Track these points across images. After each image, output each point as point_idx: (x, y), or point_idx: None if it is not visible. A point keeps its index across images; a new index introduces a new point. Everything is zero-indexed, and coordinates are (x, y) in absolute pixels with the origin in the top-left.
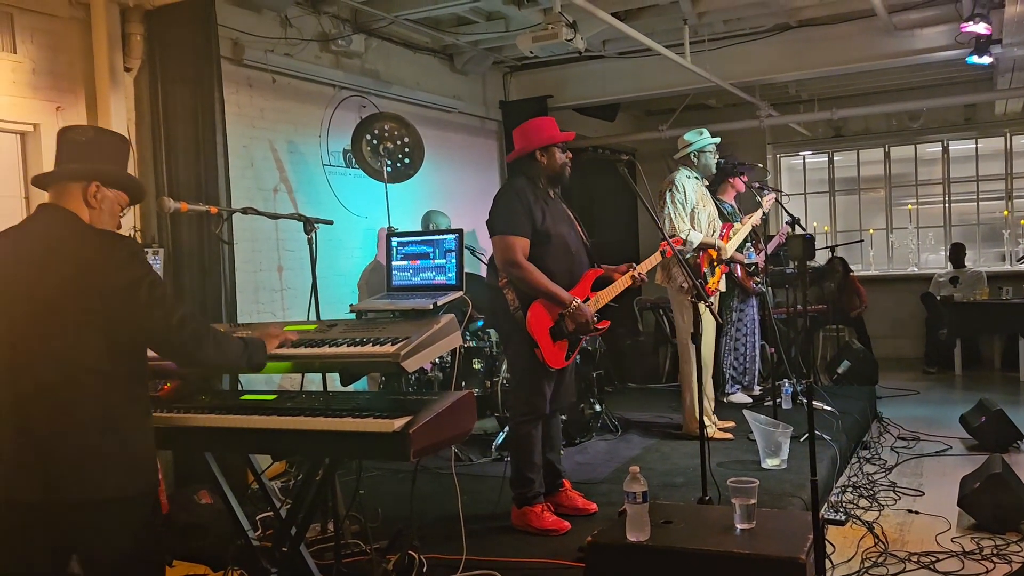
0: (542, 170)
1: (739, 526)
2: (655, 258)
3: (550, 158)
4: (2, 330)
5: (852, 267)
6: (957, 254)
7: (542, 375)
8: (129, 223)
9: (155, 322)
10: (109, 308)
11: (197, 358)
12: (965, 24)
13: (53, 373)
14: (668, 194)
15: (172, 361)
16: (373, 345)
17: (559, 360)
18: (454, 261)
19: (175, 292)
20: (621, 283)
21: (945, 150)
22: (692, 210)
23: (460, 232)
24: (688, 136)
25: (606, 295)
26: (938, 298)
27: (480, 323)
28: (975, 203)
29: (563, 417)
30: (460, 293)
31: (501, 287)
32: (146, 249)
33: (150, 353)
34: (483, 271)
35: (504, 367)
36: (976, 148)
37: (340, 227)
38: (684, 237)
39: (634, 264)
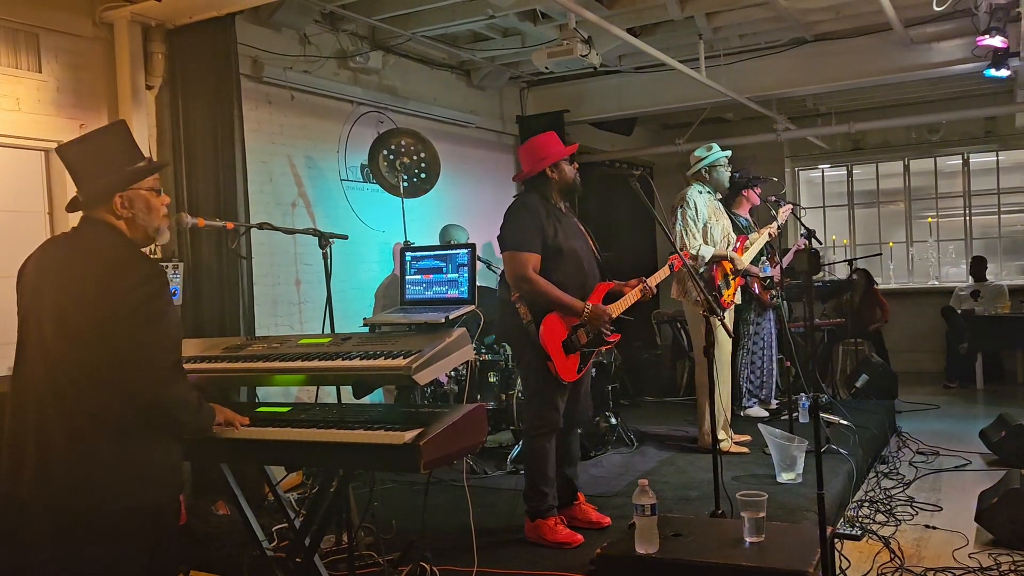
0: (554, 184)
1: (748, 539)
2: (664, 272)
3: (560, 173)
4: (34, 336)
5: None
6: (978, 267)
7: (555, 388)
8: None
9: (141, 348)
10: (115, 325)
11: (158, 398)
12: (981, 37)
13: (70, 383)
14: (679, 211)
15: (132, 391)
16: (385, 358)
17: (571, 373)
18: (467, 275)
19: (176, 330)
20: (631, 296)
21: (966, 163)
22: (705, 225)
23: (472, 247)
24: (698, 152)
25: (617, 308)
26: (959, 312)
27: (493, 337)
28: (996, 216)
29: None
30: (472, 307)
31: (513, 301)
32: (166, 264)
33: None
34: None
35: (519, 380)
36: (997, 160)
37: (358, 241)
38: (695, 252)
39: (644, 279)
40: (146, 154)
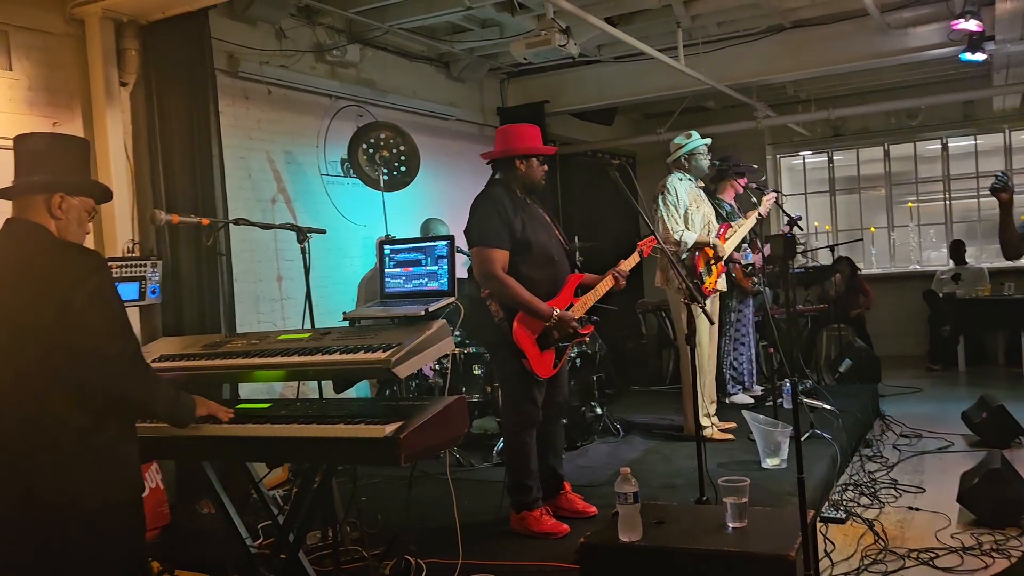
0: (519, 178)
1: (731, 525)
2: (634, 258)
3: (528, 168)
4: None
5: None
6: (958, 251)
7: (531, 383)
8: (128, 236)
9: (93, 342)
10: (65, 322)
11: (121, 391)
12: (956, 22)
13: (24, 388)
14: (660, 197)
15: (97, 387)
16: (365, 352)
17: (547, 369)
18: (446, 267)
19: (124, 322)
20: (602, 286)
21: (945, 147)
22: (685, 212)
23: (451, 239)
24: (678, 140)
25: (589, 299)
26: (940, 295)
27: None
28: (976, 199)
29: (563, 421)
30: (452, 299)
31: (485, 298)
32: (144, 262)
33: (148, 358)
34: None
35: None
36: (975, 144)
37: (339, 236)
38: (678, 238)
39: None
40: (123, 152)
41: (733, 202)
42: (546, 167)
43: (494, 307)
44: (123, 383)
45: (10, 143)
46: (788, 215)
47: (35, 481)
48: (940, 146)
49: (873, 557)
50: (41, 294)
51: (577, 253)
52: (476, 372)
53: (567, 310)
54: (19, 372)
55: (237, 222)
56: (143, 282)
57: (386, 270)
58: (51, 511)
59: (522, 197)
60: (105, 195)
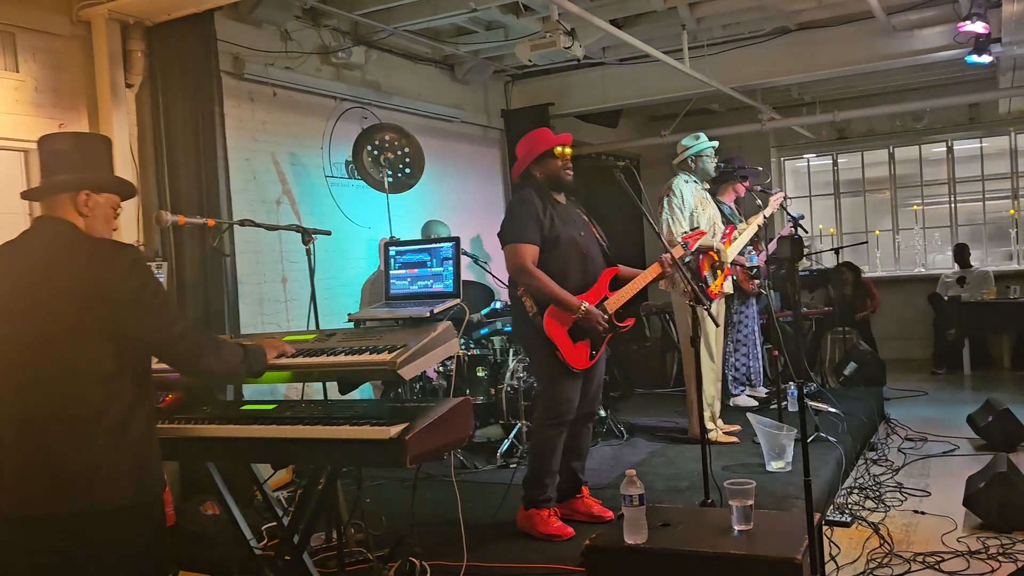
0: (543, 178)
1: (737, 527)
2: (679, 249)
3: (543, 169)
4: (6, 347)
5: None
6: (962, 254)
7: (567, 379)
8: (133, 237)
9: (158, 332)
10: (115, 317)
11: (198, 367)
12: (963, 24)
13: (60, 386)
14: (666, 200)
15: (175, 368)
16: (371, 353)
17: (582, 360)
18: (451, 269)
19: (177, 301)
20: (644, 276)
21: (950, 150)
22: (691, 214)
23: (457, 240)
24: (685, 141)
25: (625, 293)
26: (945, 298)
27: (484, 331)
28: (981, 202)
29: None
30: (458, 301)
31: (519, 296)
32: (149, 263)
33: (154, 363)
34: (488, 279)
35: (508, 374)
36: (981, 147)
37: (343, 238)
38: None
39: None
40: (129, 154)
41: (733, 204)
42: (567, 153)
43: (528, 303)
44: (200, 360)
45: (17, 144)
46: (791, 216)
47: (66, 479)
48: (945, 149)
49: (879, 561)
50: (82, 290)
51: None
52: (480, 374)
53: (600, 304)
54: (55, 367)
55: (242, 223)
56: None
57: (391, 272)
58: (80, 510)
59: (554, 198)
60: (129, 191)
